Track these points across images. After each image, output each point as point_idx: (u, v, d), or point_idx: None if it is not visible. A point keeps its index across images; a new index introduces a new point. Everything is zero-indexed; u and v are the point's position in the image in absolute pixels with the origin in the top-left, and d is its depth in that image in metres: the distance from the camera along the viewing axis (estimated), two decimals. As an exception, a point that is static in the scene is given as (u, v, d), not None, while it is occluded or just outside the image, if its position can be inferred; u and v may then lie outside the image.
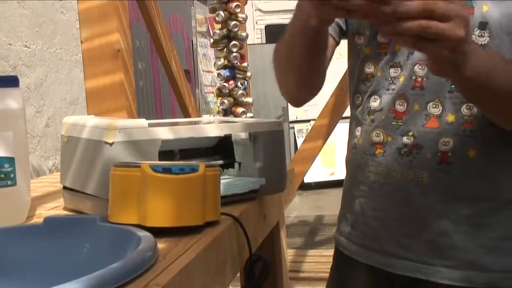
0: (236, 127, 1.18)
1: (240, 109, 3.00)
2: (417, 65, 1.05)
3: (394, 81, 1.08)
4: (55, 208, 1.18)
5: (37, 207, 1.19)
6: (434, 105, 1.04)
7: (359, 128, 1.16)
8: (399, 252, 1.10)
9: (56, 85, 3.98)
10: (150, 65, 6.20)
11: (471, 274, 1.04)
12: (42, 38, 3.84)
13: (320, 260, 3.84)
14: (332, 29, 1.15)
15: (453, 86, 1.02)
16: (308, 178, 6.92)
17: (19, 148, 1.03)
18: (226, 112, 3.07)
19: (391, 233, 1.11)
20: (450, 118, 1.03)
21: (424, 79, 1.05)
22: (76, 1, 2.28)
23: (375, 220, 1.13)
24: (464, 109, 1.02)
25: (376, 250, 1.13)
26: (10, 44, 3.46)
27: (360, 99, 1.15)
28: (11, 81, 1.05)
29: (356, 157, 1.17)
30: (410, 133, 1.06)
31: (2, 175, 0.99)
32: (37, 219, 1.08)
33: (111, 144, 0.97)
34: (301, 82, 1.15)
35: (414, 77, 1.06)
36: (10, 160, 1.01)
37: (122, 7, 2.16)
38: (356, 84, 1.17)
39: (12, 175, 1.01)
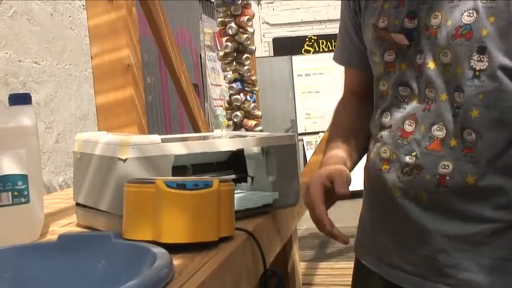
0: (249, 142, 1.17)
1: (252, 122, 3.00)
2: (427, 88, 1.05)
3: (406, 101, 1.09)
4: (69, 225, 1.18)
5: (51, 223, 1.18)
6: (438, 128, 1.04)
7: (372, 142, 1.18)
8: (403, 266, 1.11)
9: (66, 100, 3.99)
10: (159, 80, 6.21)
11: None
12: (52, 54, 3.86)
13: (331, 273, 3.82)
14: (360, 62, 1.23)
15: (457, 110, 1.02)
16: (318, 190, 6.87)
17: (32, 165, 1.02)
18: (236, 125, 3.07)
19: (397, 246, 1.12)
20: (453, 142, 1.03)
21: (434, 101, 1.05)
22: (85, 17, 2.29)
23: (384, 232, 1.15)
24: (465, 134, 1.02)
25: (385, 261, 1.15)
26: (19, 61, 3.48)
27: (378, 114, 1.16)
28: (23, 99, 1.05)
29: (370, 169, 1.18)
30: (414, 153, 1.06)
31: (16, 193, 0.99)
32: (51, 236, 1.08)
33: (124, 161, 0.97)
34: None
35: (426, 100, 1.06)
36: (23, 178, 1.00)
37: (132, 22, 2.17)
38: (375, 99, 1.18)
39: (26, 193, 1.01)
